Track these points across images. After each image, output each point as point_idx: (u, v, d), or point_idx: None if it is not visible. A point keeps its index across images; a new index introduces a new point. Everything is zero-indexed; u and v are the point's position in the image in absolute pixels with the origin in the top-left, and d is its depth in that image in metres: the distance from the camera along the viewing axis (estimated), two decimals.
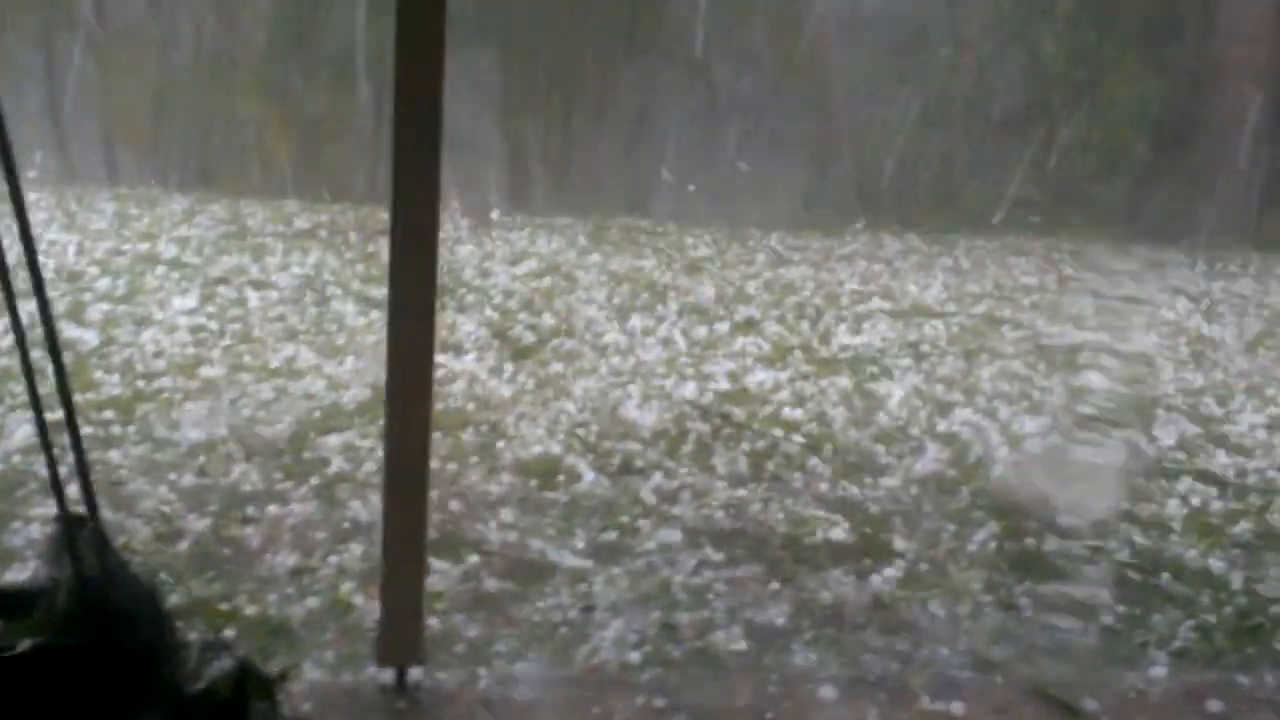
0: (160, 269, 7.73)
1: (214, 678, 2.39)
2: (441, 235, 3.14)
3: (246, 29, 12.15)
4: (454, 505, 4.68)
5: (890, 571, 4.35)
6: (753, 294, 8.29)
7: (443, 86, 3.02)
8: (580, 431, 5.52)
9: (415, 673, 3.31)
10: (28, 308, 2.43)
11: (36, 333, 2.38)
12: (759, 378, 6.49)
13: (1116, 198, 12.10)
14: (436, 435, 4.56)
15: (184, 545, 4.21)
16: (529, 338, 6.89)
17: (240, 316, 6.92)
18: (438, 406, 4.98)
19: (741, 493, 4.99)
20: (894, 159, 12.33)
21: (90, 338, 6.31)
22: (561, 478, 5.01)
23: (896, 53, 12.45)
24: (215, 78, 11.96)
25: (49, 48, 11.70)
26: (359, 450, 5.11)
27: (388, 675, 3.29)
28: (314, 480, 4.82)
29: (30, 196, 2.36)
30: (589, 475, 5.05)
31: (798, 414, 5.96)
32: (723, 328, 7.36)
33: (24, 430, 4.89)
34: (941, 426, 5.92)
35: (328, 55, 12.03)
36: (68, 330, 6.20)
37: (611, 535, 4.52)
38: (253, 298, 7.28)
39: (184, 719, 2.38)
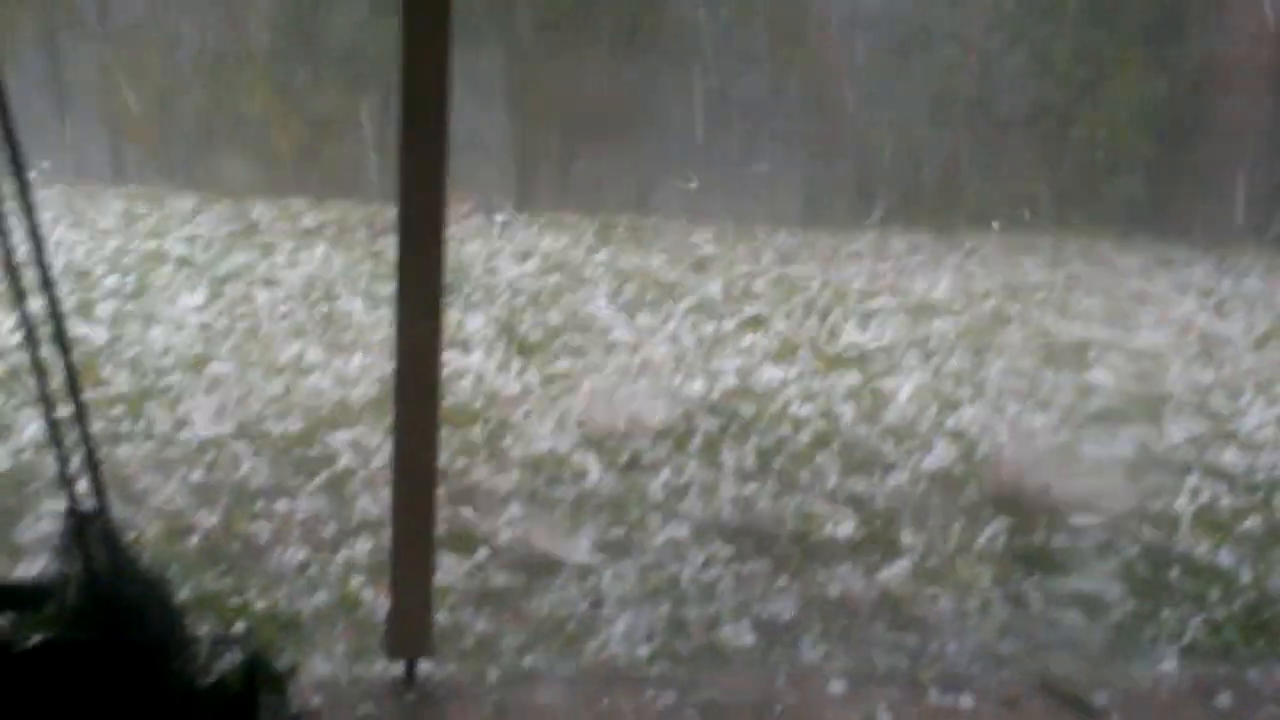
0: (168, 266, 7.75)
1: (224, 672, 2.40)
2: (448, 232, 3.14)
3: (253, 28, 12.17)
4: (462, 500, 4.68)
5: (898, 566, 4.34)
6: (760, 291, 8.28)
7: (449, 84, 3.02)
8: (588, 428, 5.52)
9: (424, 666, 3.31)
10: (37, 305, 2.44)
11: (46, 330, 2.39)
12: (767, 374, 6.48)
13: (1124, 195, 12.08)
14: (444, 431, 4.56)
15: (194, 540, 4.22)
16: (536, 334, 6.90)
17: (248, 314, 6.94)
18: (445, 402, 4.98)
19: (749, 489, 4.99)
20: (900, 157, 12.32)
21: (99, 335, 6.32)
22: (569, 473, 5.02)
23: (902, 51, 12.44)
24: (222, 76, 11.98)
25: (56, 47, 11.72)
26: (367, 446, 5.12)
27: (397, 668, 3.29)
28: (323, 476, 4.82)
29: (38, 195, 2.36)
30: (596, 471, 5.06)
31: (805, 410, 5.95)
32: (730, 324, 7.36)
33: (34, 426, 4.90)
34: (949, 423, 5.91)
35: (334, 54, 12.05)
36: (77, 327, 6.21)
37: (619, 531, 4.52)
38: (260, 295, 7.29)
39: (194, 713, 2.39)
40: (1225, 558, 4.55)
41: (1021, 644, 3.86)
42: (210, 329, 6.60)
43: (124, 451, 4.91)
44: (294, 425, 5.34)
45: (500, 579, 4.09)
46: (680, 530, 4.54)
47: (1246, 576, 4.40)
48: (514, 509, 4.65)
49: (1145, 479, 5.36)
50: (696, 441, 5.47)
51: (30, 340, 2.44)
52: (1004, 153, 12.59)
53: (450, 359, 6.16)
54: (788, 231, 10.61)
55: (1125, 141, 12.10)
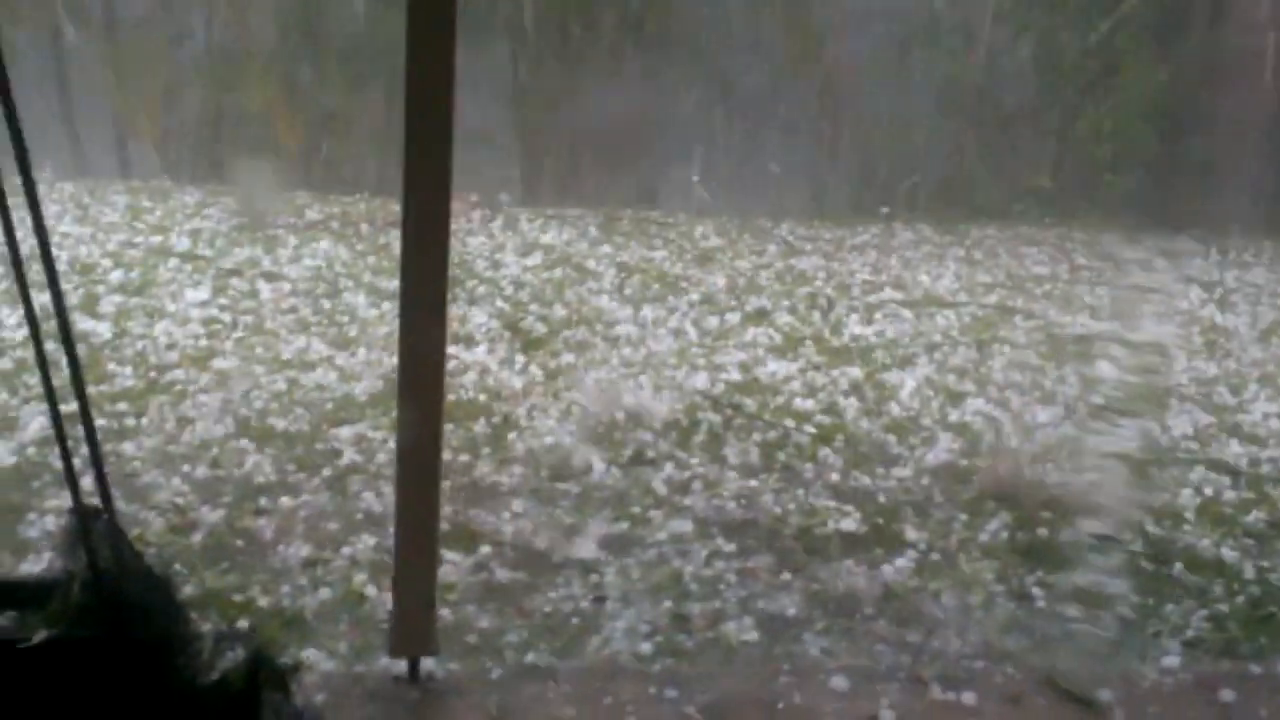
0: (173, 261, 7.75)
1: (227, 669, 2.40)
2: (453, 227, 3.14)
3: (257, 21, 12.16)
4: (466, 496, 4.69)
5: (902, 561, 4.35)
6: (764, 284, 8.28)
7: (454, 78, 3.02)
8: (591, 422, 5.53)
9: (428, 663, 3.32)
10: (41, 300, 2.44)
11: (50, 325, 2.39)
12: (770, 368, 6.48)
13: (1129, 187, 12.05)
14: (448, 426, 4.57)
15: (198, 537, 4.23)
16: (540, 329, 6.90)
17: (252, 308, 6.94)
18: (449, 398, 4.99)
19: (753, 483, 5.00)
20: (905, 149, 12.30)
21: (104, 330, 6.33)
22: (573, 468, 5.02)
23: (907, 43, 12.42)
24: (226, 70, 11.97)
25: (60, 42, 11.72)
26: (371, 441, 5.12)
27: (400, 666, 3.30)
28: (326, 472, 4.83)
29: (43, 190, 2.36)
30: (600, 466, 5.06)
31: (809, 404, 5.95)
32: (734, 318, 7.36)
33: (38, 422, 4.92)
34: (953, 416, 5.91)
35: (339, 47, 12.04)
36: (81, 323, 6.22)
37: (623, 526, 4.53)
38: (265, 290, 7.30)
39: (198, 710, 2.39)
40: (1229, 552, 4.55)
41: (1024, 639, 3.86)
42: (215, 324, 6.60)
43: (128, 447, 4.92)
44: (298, 421, 5.34)
45: (503, 575, 4.10)
46: (684, 525, 4.55)
47: (1250, 571, 4.40)
48: (517, 504, 4.65)
49: (1149, 472, 5.36)
50: (700, 436, 5.48)
51: (34, 336, 2.45)
52: (1009, 146, 12.56)
53: (454, 354, 6.17)
54: (792, 224, 10.60)
55: (1130, 134, 12.06)
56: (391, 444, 4.46)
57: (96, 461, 2.57)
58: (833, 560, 4.35)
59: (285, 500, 4.55)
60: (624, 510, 4.66)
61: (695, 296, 7.79)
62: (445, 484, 4.00)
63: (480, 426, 5.41)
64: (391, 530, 3.30)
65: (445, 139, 3.06)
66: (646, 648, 3.68)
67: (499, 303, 7.33)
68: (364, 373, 5.96)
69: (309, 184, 10.96)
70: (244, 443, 5.05)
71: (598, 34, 12.33)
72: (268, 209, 9.51)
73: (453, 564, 4.08)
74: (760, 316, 7.46)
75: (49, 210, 8.41)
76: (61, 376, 2.48)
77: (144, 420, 5.22)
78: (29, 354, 5.14)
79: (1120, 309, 8.32)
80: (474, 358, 6.33)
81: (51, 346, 2.42)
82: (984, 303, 8.20)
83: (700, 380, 6.20)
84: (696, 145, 11.98)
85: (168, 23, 12.00)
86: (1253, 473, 5.42)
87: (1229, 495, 5.14)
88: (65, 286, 3.42)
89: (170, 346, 6.18)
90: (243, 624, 3.45)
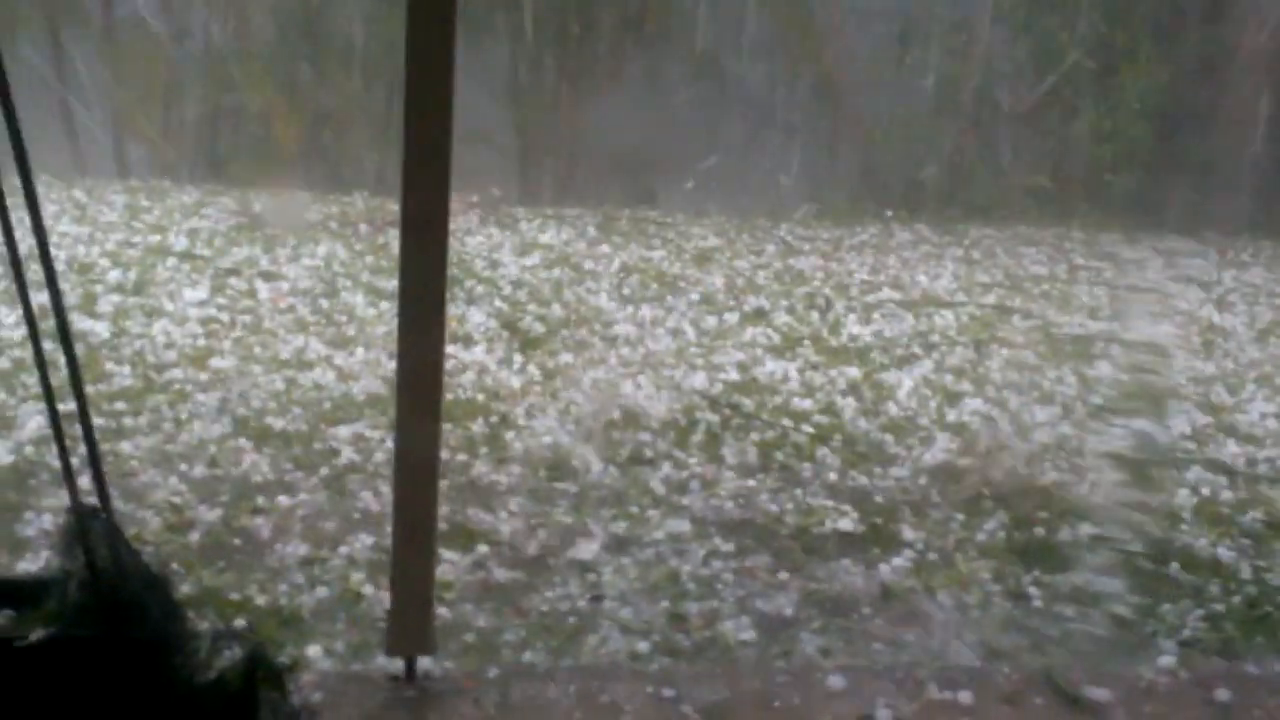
0: (171, 261, 7.76)
1: (225, 668, 2.41)
2: (451, 226, 3.14)
3: (256, 21, 12.16)
4: (464, 495, 4.69)
5: (899, 561, 4.35)
6: (762, 284, 8.28)
7: (453, 78, 3.02)
8: (589, 422, 5.53)
9: (425, 662, 3.32)
10: (40, 300, 2.44)
11: (49, 325, 2.39)
12: (769, 368, 6.49)
13: (1128, 187, 12.06)
14: (446, 426, 4.58)
15: (195, 536, 4.23)
16: (538, 329, 6.90)
17: (250, 308, 6.94)
18: (447, 397, 4.99)
19: (750, 483, 5.00)
20: (904, 149, 12.30)
21: (101, 329, 6.33)
22: (571, 468, 5.02)
23: (907, 42, 12.42)
24: (225, 70, 11.97)
25: (59, 41, 11.72)
26: (369, 441, 5.13)
27: (397, 665, 3.30)
28: (324, 471, 4.83)
29: (41, 190, 2.37)
30: (598, 466, 5.07)
31: (807, 404, 5.96)
32: (732, 318, 7.36)
33: (36, 421, 4.92)
34: (951, 416, 5.92)
35: (338, 47, 12.04)
36: (79, 322, 6.22)
37: (621, 525, 4.53)
38: (263, 289, 7.30)
39: (195, 709, 2.40)
40: (1225, 552, 4.55)
41: (1021, 639, 3.87)
42: (213, 323, 6.60)
43: (126, 447, 4.92)
44: (296, 420, 5.34)
45: (500, 574, 4.10)
46: (681, 525, 4.55)
47: (1246, 571, 4.41)
48: (515, 504, 4.66)
49: (1145, 472, 5.37)
50: (698, 436, 5.48)
51: (33, 335, 2.45)
52: (1010, 144, 12.57)
53: (452, 353, 6.17)
54: (790, 224, 10.60)
55: (1130, 134, 12.07)
56: (389, 443, 4.47)
57: (94, 460, 2.58)
58: (830, 560, 4.35)
59: (283, 499, 4.55)
60: (622, 510, 4.66)
61: (694, 296, 7.80)
62: (443, 483, 4.00)
63: (478, 426, 5.42)
64: (389, 529, 3.30)
65: (444, 139, 3.06)
66: (643, 647, 3.68)
67: (497, 302, 7.34)
68: (362, 372, 5.97)
69: (308, 183, 10.96)
70: (242, 442, 5.05)
71: (597, 34, 12.33)
72: (266, 208, 9.52)
73: (450, 563, 4.09)
74: (758, 316, 7.47)
75: (47, 210, 8.41)
76: (60, 376, 2.49)
77: (141, 419, 5.22)
78: (27, 353, 5.14)
79: (1118, 309, 8.33)
80: (472, 357, 6.34)
81: (50, 346, 2.42)
82: (982, 303, 8.21)
83: (698, 380, 6.21)
84: (696, 144, 11.97)
85: (166, 22, 11.99)
86: (1249, 473, 5.43)
87: (1226, 495, 5.14)
88: (63, 286, 3.42)
89: (168, 346, 6.18)
90: (240, 623, 3.45)
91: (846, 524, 4.64)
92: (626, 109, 12.29)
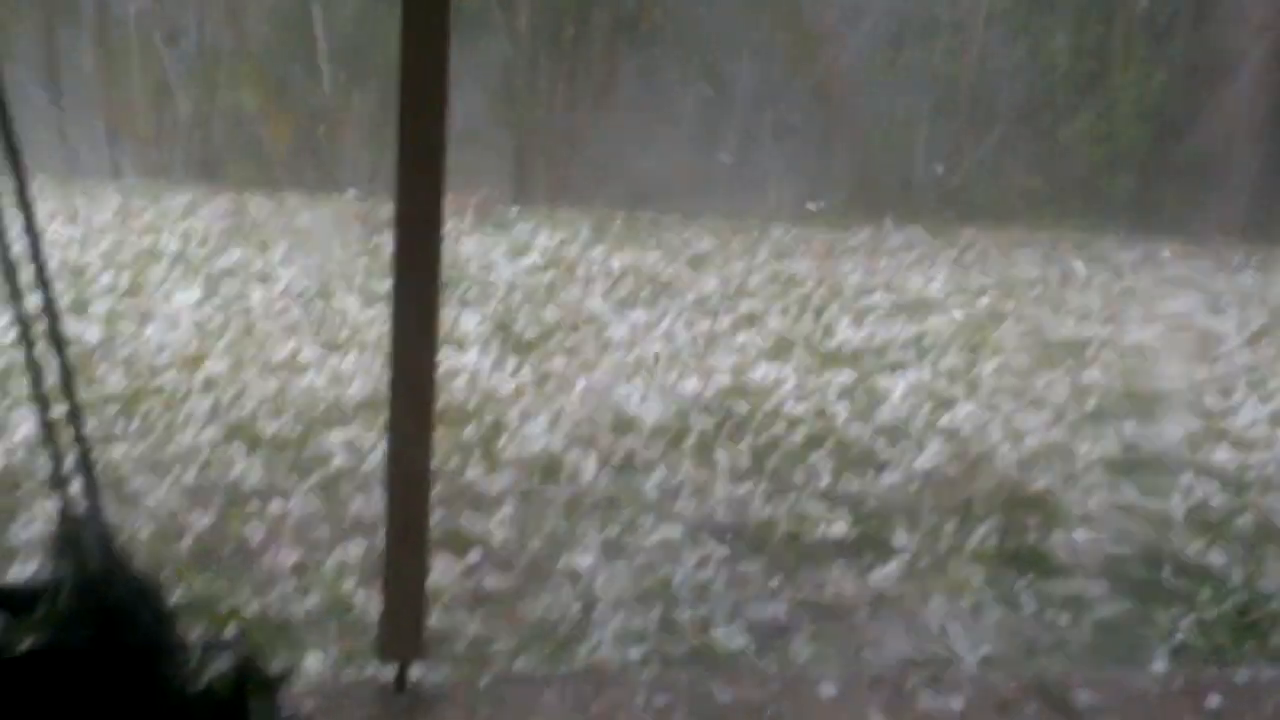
0: (164, 263, 7.74)
1: (215, 676, 2.39)
2: (445, 228, 3.14)
3: (250, 21, 12.16)
4: (456, 501, 4.68)
5: (891, 567, 4.35)
6: (756, 287, 8.29)
7: (448, 78, 3.01)
8: (582, 426, 5.53)
9: (417, 669, 3.32)
10: (32, 302, 2.44)
11: (41, 327, 2.38)
12: (762, 372, 6.49)
13: (1121, 191, 12.09)
14: (439, 431, 4.57)
15: (187, 542, 4.22)
16: (532, 332, 6.90)
17: (243, 310, 6.93)
18: (440, 402, 4.98)
19: (743, 488, 5.00)
20: (899, 151, 12.32)
21: (94, 333, 6.32)
22: (564, 473, 5.02)
23: (903, 45, 12.44)
24: (218, 70, 11.96)
25: (53, 41, 11.70)
26: (361, 446, 5.12)
27: (389, 672, 3.30)
28: (316, 476, 4.82)
29: (34, 191, 2.36)
30: (591, 470, 5.06)
31: (800, 408, 5.96)
32: (726, 321, 7.36)
33: (27, 426, 4.90)
34: (944, 421, 5.92)
35: (332, 47, 12.03)
36: (71, 325, 6.21)
37: (613, 531, 4.53)
38: (256, 292, 7.29)
39: (186, 717, 2.39)
40: (1216, 557, 4.56)
41: (1013, 645, 3.87)
42: (205, 326, 6.59)
43: (118, 452, 4.91)
44: (288, 424, 5.34)
45: (492, 580, 4.10)
46: (674, 531, 4.55)
47: (1237, 576, 4.41)
48: (507, 509, 4.65)
49: (1136, 476, 5.37)
50: (691, 440, 5.48)
51: (24, 338, 2.44)
52: (1005, 147, 12.59)
53: (445, 357, 6.16)
54: (783, 227, 10.61)
55: (1124, 137, 12.10)
56: (382, 447, 4.46)
57: (86, 465, 2.57)
58: (822, 565, 4.35)
59: (275, 505, 4.54)
60: (614, 515, 4.66)
61: (688, 299, 7.80)
62: (435, 488, 3.99)
63: (471, 430, 5.41)
64: (381, 535, 3.30)
65: (439, 140, 3.05)
66: (635, 654, 3.68)
67: (491, 305, 7.33)
68: (355, 376, 5.96)
69: (301, 184, 10.96)
70: (234, 446, 5.04)
71: (592, 35, 12.34)
72: (259, 209, 9.51)
73: (442, 569, 4.08)
74: (752, 320, 7.47)
75: (40, 211, 8.38)
76: (52, 379, 2.48)
77: (134, 424, 5.21)
78: (19, 356, 5.13)
79: (1112, 312, 8.34)
80: (465, 361, 6.33)
81: (41, 349, 2.41)
82: (975, 306, 8.21)
83: (691, 384, 6.21)
84: (690, 146, 11.98)
85: (160, 23, 11.98)
86: (1240, 478, 5.43)
87: (1217, 500, 5.15)
88: (56, 288, 3.41)
89: (160, 349, 6.17)
90: (231, 631, 3.45)
91: (839, 529, 4.64)
92: (621, 110, 12.30)
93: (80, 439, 2.59)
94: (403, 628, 3.27)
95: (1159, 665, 3.73)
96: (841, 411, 5.96)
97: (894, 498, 4.99)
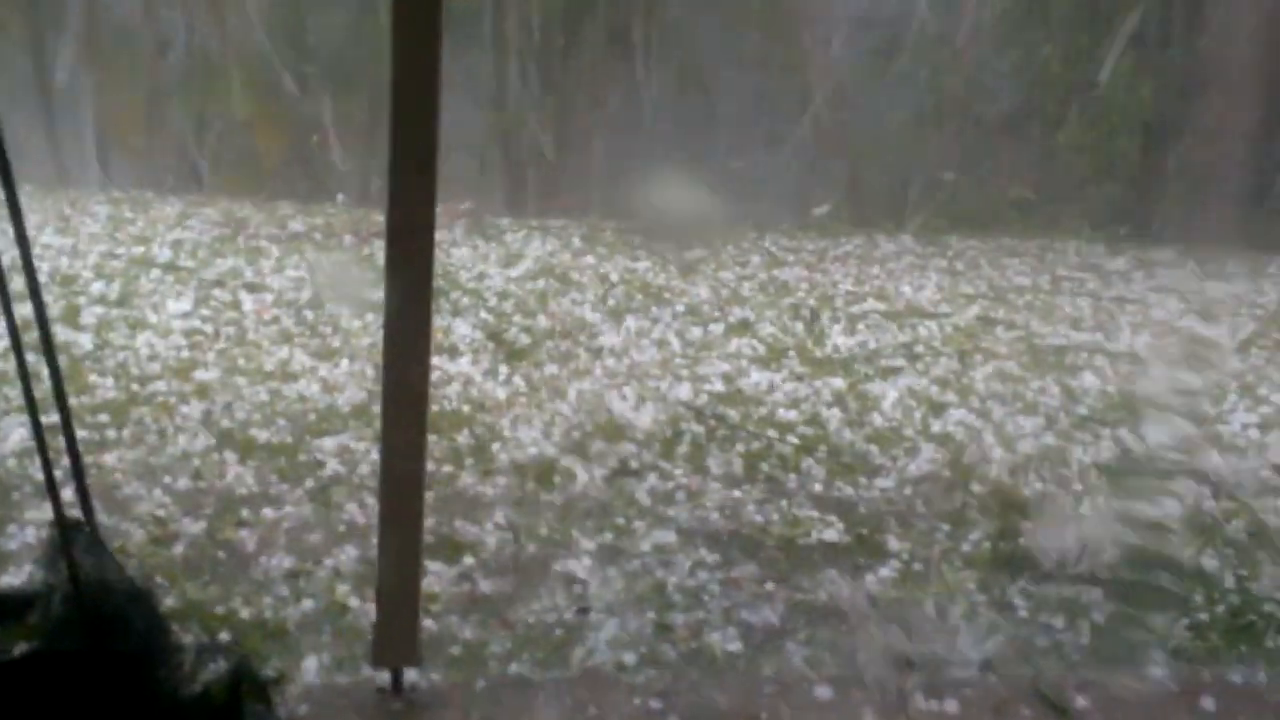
0: (154, 272, 7.73)
1: (209, 681, 2.40)
2: (436, 237, 3.14)
3: (240, 30, 12.15)
4: (449, 507, 4.68)
5: (885, 572, 4.35)
6: (747, 295, 8.29)
7: (439, 88, 3.02)
8: (575, 433, 5.53)
9: (410, 674, 3.31)
10: (23, 311, 2.43)
11: (31, 336, 2.38)
12: (754, 379, 6.49)
13: (1110, 198, 12.12)
14: (432, 438, 4.57)
15: (179, 549, 4.21)
16: (524, 340, 6.89)
17: (235, 319, 6.92)
18: (433, 409, 4.98)
19: (736, 494, 5.00)
20: (888, 160, 12.35)
21: (85, 341, 6.30)
22: (557, 479, 5.02)
23: (891, 54, 12.47)
24: (209, 80, 11.95)
25: (41, 51, 11.69)
26: (354, 453, 5.11)
27: (383, 677, 3.29)
28: (309, 483, 4.82)
29: (24, 200, 2.36)
30: (584, 477, 5.06)
31: (792, 415, 5.97)
32: (717, 329, 7.37)
33: (19, 434, 4.89)
34: (936, 427, 5.93)
35: (323, 57, 12.03)
36: (62, 334, 6.19)
37: (607, 536, 4.53)
38: (247, 301, 7.28)
39: None
40: (1209, 562, 4.57)
41: (1007, 649, 3.87)
42: (197, 335, 6.58)
43: (109, 459, 4.90)
44: (280, 432, 5.33)
45: (486, 586, 4.09)
46: (667, 536, 4.55)
47: (1230, 580, 4.42)
48: (501, 515, 4.65)
49: (1129, 482, 5.38)
50: (683, 447, 5.48)
51: (16, 347, 2.44)
52: (993, 155, 12.62)
53: (437, 365, 6.16)
54: (776, 235, 10.62)
55: (1113, 146, 12.14)
56: (375, 455, 4.46)
57: (78, 473, 2.57)
58: (816, 570, 4.35)
59: (268, 511, 4.53)
60: (608, 521, 4.66)
61: (679, 307, 7.81)
62: (428, 495, 3.99)
63: (464, 437, 5.41)
64: (374, 541, 3.30)
65: (430, 149, 3.06)
66: (630, 658, 3.68)
67: (483, 314, 7.33)
68: (347, 384, 5.95)
69: (292, 193, 10.95)
70: (226, 454, 5.03)
71: (583, 45, 12.35)
72: (250, 219, 9.50)
73: (436, 575, 4.08)
74: (743, 327, 7.48)
75: (30, 221, 8.36)
76: (43, 388, 2.48)
77: (125, 431, 5.20)
78: (10, 365, 5.12)
79: (1102, 320, 8.36)
80: (458, 369, 6.33)
81: (33, 358, 2.41)
82: (966, 314, 8.23)
83: (684, 391, 6.21)
84: (681, 155, 11.99)
85: (150, 32, 11.98)
86: (1232, 483, 5.44)
87: (1209, 505, 5.16)
88: (46, 298, 3.40)
89: (152, 358, 6.16)
90: (225, 636, 3.44)
91: (832, 534, 4.65)
92: (612, 120, 12.32)
93: (72, 446, 2.59)
94: (396, 635, 3.28)
95: (1153, 668, 3.73)
96: (834, 418, 5.97)
97: (887, 502, 5.00)
